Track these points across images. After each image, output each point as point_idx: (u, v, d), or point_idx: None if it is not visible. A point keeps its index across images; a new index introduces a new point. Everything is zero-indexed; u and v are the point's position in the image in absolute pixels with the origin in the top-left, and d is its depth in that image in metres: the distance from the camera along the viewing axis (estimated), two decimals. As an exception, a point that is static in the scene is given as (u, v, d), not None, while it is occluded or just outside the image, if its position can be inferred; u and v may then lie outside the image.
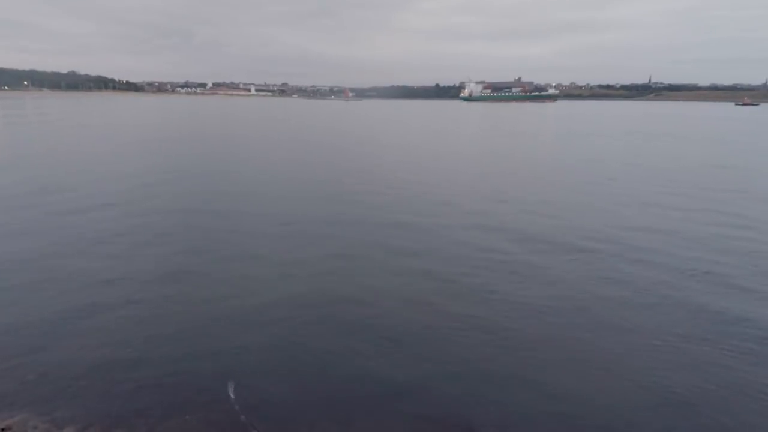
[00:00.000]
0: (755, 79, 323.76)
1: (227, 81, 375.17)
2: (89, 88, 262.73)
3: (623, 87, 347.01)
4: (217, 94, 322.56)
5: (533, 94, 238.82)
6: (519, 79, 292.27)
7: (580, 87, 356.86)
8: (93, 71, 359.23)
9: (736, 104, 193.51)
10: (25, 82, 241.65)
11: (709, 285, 8.96)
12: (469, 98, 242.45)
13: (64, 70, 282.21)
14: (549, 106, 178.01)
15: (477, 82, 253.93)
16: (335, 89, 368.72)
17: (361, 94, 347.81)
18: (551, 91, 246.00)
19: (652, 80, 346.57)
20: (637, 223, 13.14)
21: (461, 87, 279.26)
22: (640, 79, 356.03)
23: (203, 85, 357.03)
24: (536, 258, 10.31)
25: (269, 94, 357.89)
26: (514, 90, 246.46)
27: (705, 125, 62.97)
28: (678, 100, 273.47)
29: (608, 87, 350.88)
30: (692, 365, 6.34)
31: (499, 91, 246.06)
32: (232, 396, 5.48)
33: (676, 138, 41.39)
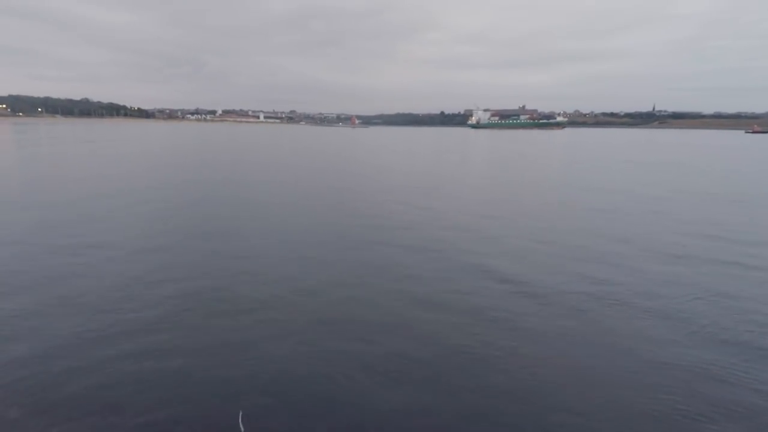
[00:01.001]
0: (758, 108, 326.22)
1: (236, 108, 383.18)
2: (101, 115, 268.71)
3: (627, 115, 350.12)
4: (226, 120, 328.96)
5: (541, 121, 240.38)
6: (523, 107, 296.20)
7: (584, 114, 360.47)
8: (105, 98, 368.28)
9: (746, 132, 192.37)
10: (39, 109, 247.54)
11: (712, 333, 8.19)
12: (477, 125, 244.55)
13: (77, 98, 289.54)
14: (557, 133, 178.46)
15: (485, 110, 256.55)
16: (342, 116, 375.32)
17: (367, 121, 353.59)
18: (559, 118, 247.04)
19: (656, 108, 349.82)
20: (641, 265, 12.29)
21: (466, 114, 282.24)
22: (644, 107, 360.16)
23: (213, 112, 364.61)
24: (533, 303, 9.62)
25: (277, 121, 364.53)
26: (522, 117, 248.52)
27: (726, 154, 60.73)
28: (683, 128, 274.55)
29: (612, 115, 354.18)
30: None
31: (507, 119, 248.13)
32: (242, 428, 5.27)
33: (703, 171, 37.34)
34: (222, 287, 9.38)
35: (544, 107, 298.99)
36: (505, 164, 42.55)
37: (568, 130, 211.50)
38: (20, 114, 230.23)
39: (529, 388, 6.15)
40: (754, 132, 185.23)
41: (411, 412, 5.63)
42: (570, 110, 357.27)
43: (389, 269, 10.75)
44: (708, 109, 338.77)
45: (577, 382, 6.33)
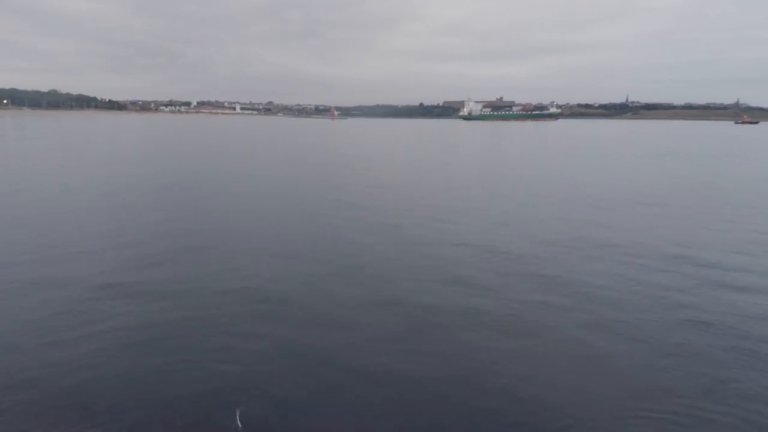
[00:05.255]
0: (726, 99, 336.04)
1: (212, 99, 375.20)
2: (70, 107, 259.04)
3: (601, 106, 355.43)
4: (201, 112, 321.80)
5: (534, 112, 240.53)
6: (501, 98, 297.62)
7: (560, 106, 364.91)
8: (74, 90, 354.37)
9: (735, 122, 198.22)
10: (5, 101, 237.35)
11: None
12: (469, 117, 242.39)
13: (44, 89, 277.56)
14: (551, 124, 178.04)
15: (477, 102, 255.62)
16: (321, 108, 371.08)
17: (346, 112, 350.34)
18: (552, 110, 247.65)
19: (629, 99, 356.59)
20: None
21: (446, 106, 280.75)
22: (617, 99, 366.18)
23: (188, 104, 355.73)
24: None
25: (254, 112, 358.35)
26: (514, 108, 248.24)
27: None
28: (656, 119, 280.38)
29: (587, 106, 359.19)
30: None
31: (499, 110, 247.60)
32: (239, 424, 5.62)
33: None
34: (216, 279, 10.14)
35: (521, 99, 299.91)
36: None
37: (560, 122, 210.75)
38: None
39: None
40: (743, 123, 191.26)
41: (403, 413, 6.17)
42: (546, 101, 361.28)
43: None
44: (679, 101, 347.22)
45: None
